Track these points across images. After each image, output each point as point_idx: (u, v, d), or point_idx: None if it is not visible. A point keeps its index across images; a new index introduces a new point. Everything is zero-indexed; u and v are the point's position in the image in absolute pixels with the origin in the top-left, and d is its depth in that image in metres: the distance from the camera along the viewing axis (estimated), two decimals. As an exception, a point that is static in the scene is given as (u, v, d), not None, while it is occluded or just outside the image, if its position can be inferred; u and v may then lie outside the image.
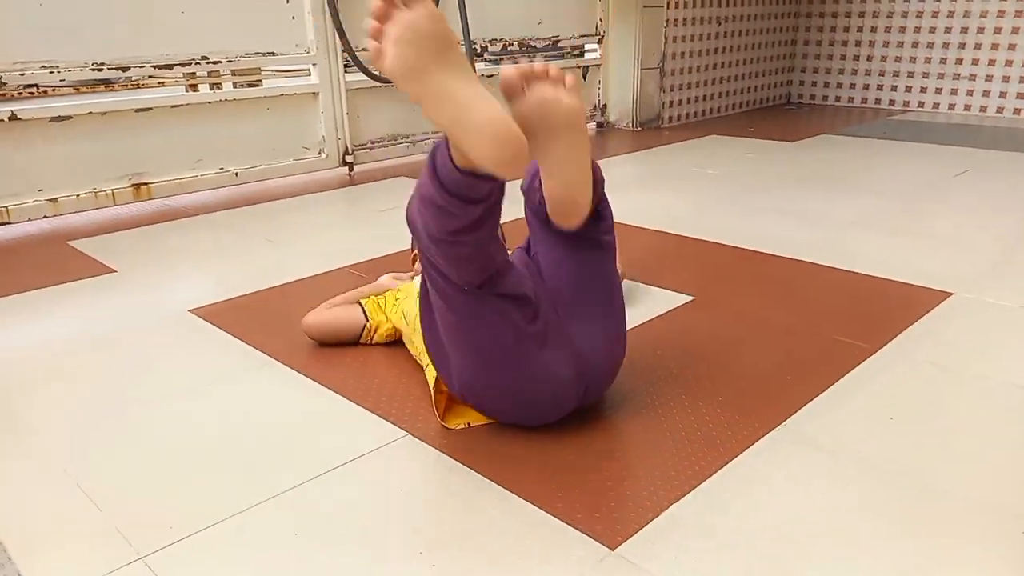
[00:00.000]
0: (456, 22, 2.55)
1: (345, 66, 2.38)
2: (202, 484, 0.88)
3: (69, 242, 1.81)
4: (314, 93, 2.35)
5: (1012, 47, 3.30)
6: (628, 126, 3.26)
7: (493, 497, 0.84)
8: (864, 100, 3.79)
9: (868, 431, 0.95)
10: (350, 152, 2.45)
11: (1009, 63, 3.32)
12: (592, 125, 3.31)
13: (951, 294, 1.37)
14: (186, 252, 1.74)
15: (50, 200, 1.94)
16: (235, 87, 2.27)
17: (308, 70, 2.35)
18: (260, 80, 2.36)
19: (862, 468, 0.88)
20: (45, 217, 1.95)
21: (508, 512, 0.81)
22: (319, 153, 2.42)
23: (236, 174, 2.24)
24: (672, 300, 1.38)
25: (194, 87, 2.17)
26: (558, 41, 3.03)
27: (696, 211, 1.96)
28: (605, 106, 3.30)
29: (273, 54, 2.24)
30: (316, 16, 2.28)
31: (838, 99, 3.88)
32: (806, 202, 2.03)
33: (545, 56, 3.07)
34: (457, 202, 0.77)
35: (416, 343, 1.07)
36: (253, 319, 1.35)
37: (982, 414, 0.99)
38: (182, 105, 2.10)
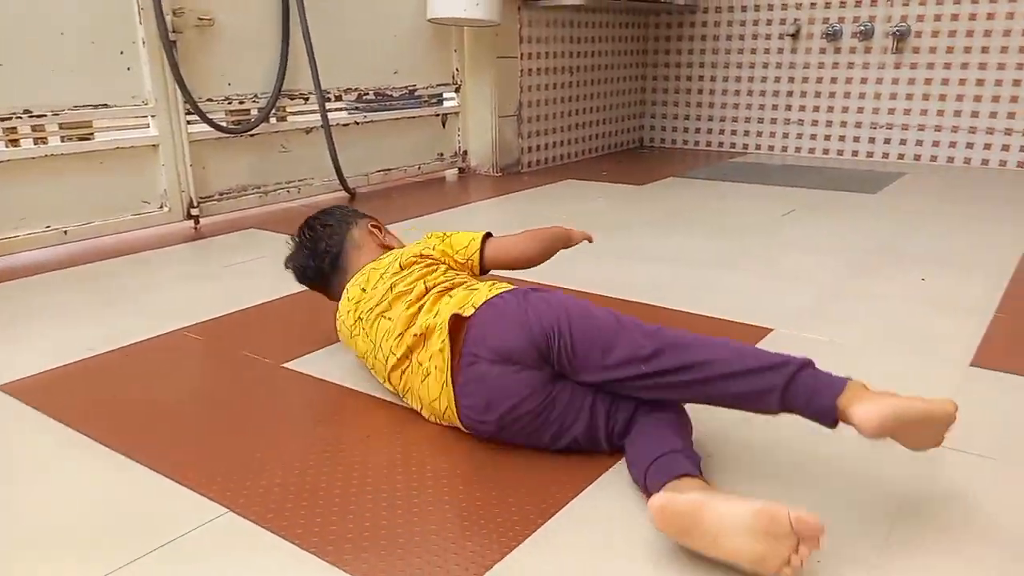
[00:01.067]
0: (305, 70, 2.53)
1: (187, 115, 2.30)
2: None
3: None
4: (154, 145, 2.25)
5: (832, 95, 3.64)
6: (489, 171, 3.32)
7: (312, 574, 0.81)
8: (709, 144, 4.05)
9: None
10: (195, 205, 2.35)
11: (831, 109, 3.65)
12: (454, 171, 3.35)
13: (771, 330, 1.47)
14: (6, 320, 1.60)
15: None
16: (63, 141, 2.13)
17: (147, 122, 2.25)
18: (92, 133, 2.23)
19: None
20: None
21: (326, 588, 0.79)
22: (161, 207, 2.31)
23: (65, 232, 2.10)
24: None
25: (15, 142, 2.03)
26: (415, 90, 3.06)
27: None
28: (465, 152, 3.35)
29: (107, 106, 2.13)
30: (154, 67, 2.19)
31: (686, 143, 4.13)
32: (647, 244, 2.13)
33: (403, 104, 3.10)
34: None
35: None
36: (73, 393, 1.25)
37: (788, 441, 1.05)
38: (1, 161, 1.96)
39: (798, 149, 3.79)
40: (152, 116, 2.23)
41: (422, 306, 1.11)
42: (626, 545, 0.85)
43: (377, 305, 1.16)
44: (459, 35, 3.18)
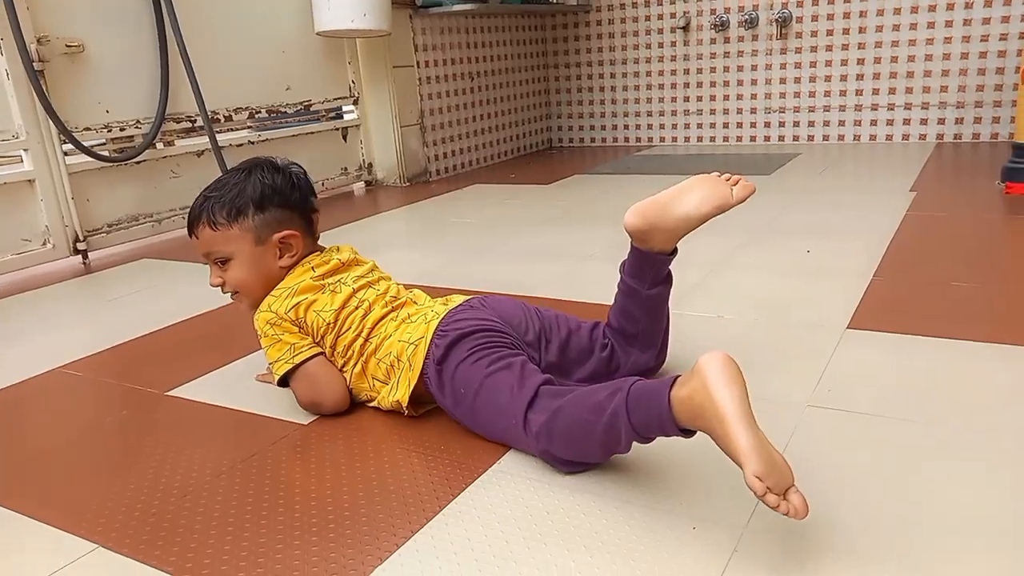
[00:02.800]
0: (189, 92, 2.46)
1: (64, 145, 2.20)
2: None
3: None
4: (30, 180, 2.15)
5: (726, 83, 3.75)
6: (396, 183, 3.30)
7: (180, 601, 0.78)
8: (616, 140, 4.12)
9: (573, 456, 0.99)
10: (81, 239, 2.25)
11: (726, 97, 3.77)
12: (361, 185, 3.31)
13: (665, 311, 1.49)
14: None
15: None
16: (-74, 181, 2.02)
17: (20, 156, 2.15)
18: (-42, 172, 2.12)
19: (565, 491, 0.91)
20: None
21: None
22: (44, 244, 2.20)
23: (-62, 278, 1.99)
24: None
25: None
26: (310, 105, 3.02)
27: (447, 262, 2.00)
28: (371, 165, 3.31)
29: (-27, 142, 2.02)
30: (21, 98, 2.09)
31: (593, 140, 4.19)
32: (552, 240, 2.15)
33: (300, 120, 3.05)
34: (641, 440, 0.87)
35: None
36: (-70, 444, 1.17)
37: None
38: None
39: (699, 139, 3.89)
40: (24, 150, 2.13)
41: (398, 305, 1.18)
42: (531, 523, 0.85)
43: (361, 277, 1.19)
44: (352, 47, 3.14)
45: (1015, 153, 2.33)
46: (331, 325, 1.14)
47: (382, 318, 1.15)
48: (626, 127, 4.07)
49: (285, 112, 2.91)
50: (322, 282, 1.17)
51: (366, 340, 1.13)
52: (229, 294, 1.22)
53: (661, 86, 3.92)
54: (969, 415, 1.02)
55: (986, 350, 1.22)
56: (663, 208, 1.07)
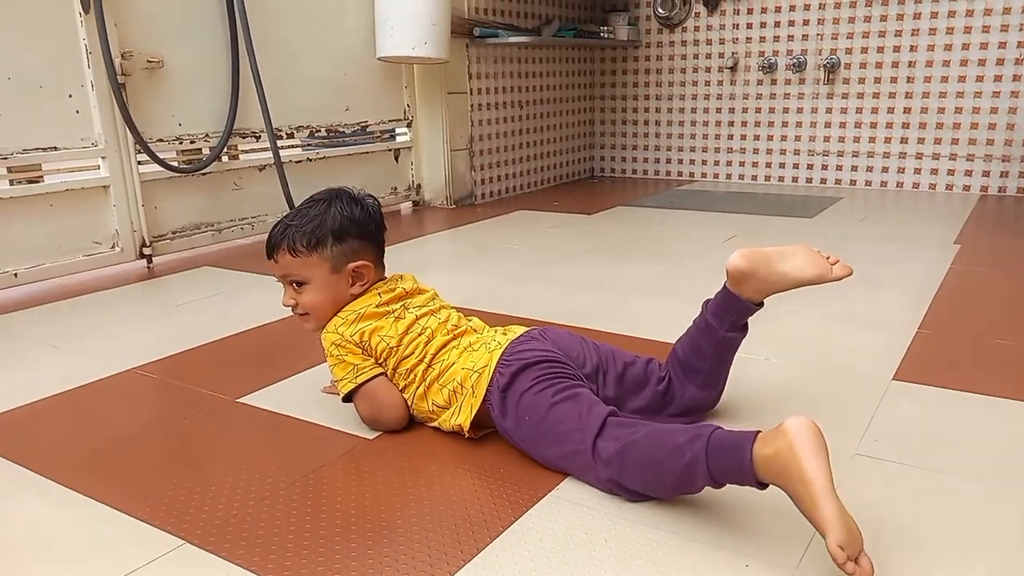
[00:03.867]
0: (256, 108, 2.56)
1: (138, 155, 2.32)
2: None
3: None
4: (104, 186, 2.26)
5: (770, 124, 3.80)
6: (443, 204, 3.38)
7: (267, 599, 0.84)
8: (657, 172, 4.18)
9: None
10: (148, 244, 2.36)
11: (770, 138, 3.81)
12: (409, 205, 3.40)
13: (712, 351, 1.54)
14: (-51, 365, 1.59)
15: None
16: (12, 184, 2.13)
17: (97, 164, 2.26)
18: (41, 176, 2.24)
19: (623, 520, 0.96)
20: None
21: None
22: (113, 247, 2.31)
23: (16, 275, 2.09)
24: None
25: (-38, 186, 2.02)
26: (367, 126, 3.12)
27: (494, 287, 2.07)
28: (419, 186, 3.41)
29: (56, 149, 2.14)
30: (103, 108, 2.21)
31: (635, 172, 4.26)
32: (595, 271, 2.21)
33: (356, 140, 3.15)
34: (714, 487, 0.93)
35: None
36: (28, 434, 1.26)
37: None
38: (-52, 204, 1.95)
39: (741, 176, 3.94)
40: (102, 158, 2.24)
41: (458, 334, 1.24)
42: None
43: (423, 306, 1.27)
44: (409, 72, 3.25)
45: (1062, 212, 2.35)
46: (394, 349, 1.21)
47: (444, 345, 1.21)
48: (668, 161, 4.13)
49: (343, 132, 3.02)
50: (387, 308, 1.24)
51: (428, 366, 1.20)
52: (297, 314, 1.28)
53: (706, 123, 3.98)
54: (1008, 471, 1.06)
55: (1030, 410, 1.25)
56: (768, 260, 1.13)
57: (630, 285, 2.05)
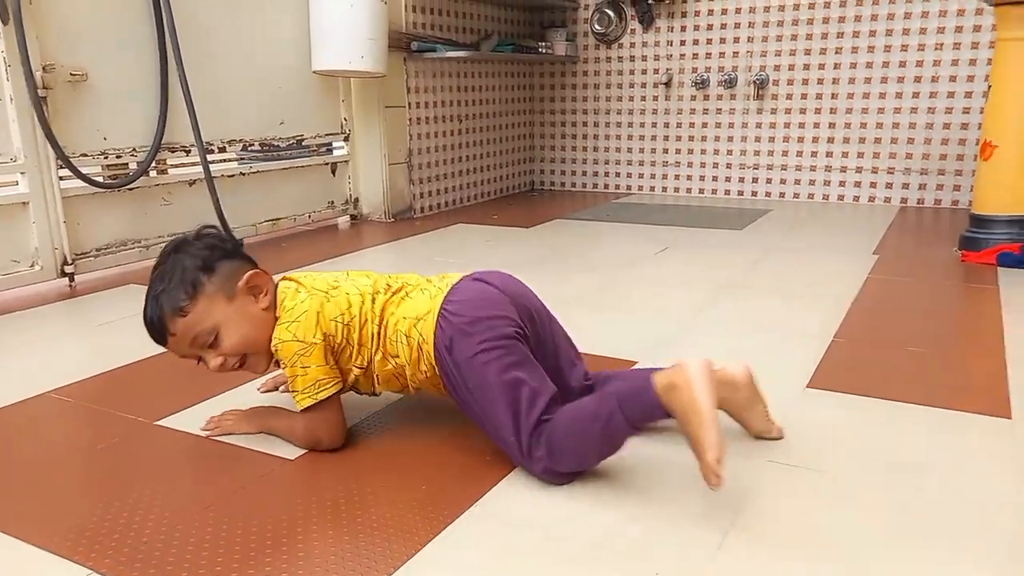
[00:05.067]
0: (186, 122, 2.52)
1: (61, 170, 2.25)
2: None
3: None
4: (24, 203, 2.19)
5: (704, 139, 3.90)
6: (381, 218, 3.37)
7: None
8: (595, 186, 4.24)
9: (552, 500, 1.06)
10: (70, 262, 2.29)
11: (703, 152, 3.91)
12: (346, 219, 3.38)
13: (635, 362, 1.57)
14: None
15: None
16: (-77, 199, 2.05)
17: (16, 179, 2.19)
18: (-45, 191, 2.16)
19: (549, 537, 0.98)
20: None
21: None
22: (32, 265, 2.23)
23: (-74, 295, 2.01)
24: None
25: None
26: (303, 140, 3.09)
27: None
28: (357, 199, 3.39)
29: (-30, 163, 2.07)
30: (23, 123, 2.14)
31: (575, 185, 4.31)
32: (532, 284, 2.22)
33: (291, 154, 3.12)
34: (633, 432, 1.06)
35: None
36: (-77, 464, 1.21)
37: (648, 465, 1.14)
38: None
39: (676, 189, 4.03)
40: (21, 173, 2.17)
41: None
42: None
43: (345, 279, 1.26)
44: (346, 86, 3.24)
45: (972, 223, 2.48)
46: (349, 325, 1.19)
47: (386, 303, 1.22)
48: (606, 174, 4.20)
49: (278, 146, 2.98)
50: (319, 292, 1.20)
51: (381, 324, 1.20)
52: (239, 367, 1.20)
53: (642, 137, 4.06)
54: (908, 475, 1.11)
55: (933, 415, 1.31)
56: (743, 400, 1.20)
57: (564, 297, 2.07)
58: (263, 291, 1.20)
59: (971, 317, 1.91)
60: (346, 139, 3.29)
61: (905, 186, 3.51)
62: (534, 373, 1.12)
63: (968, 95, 3.31)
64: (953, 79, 3.33)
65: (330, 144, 3.27)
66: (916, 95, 3.41)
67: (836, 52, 3.53)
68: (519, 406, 1.08)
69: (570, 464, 1.08)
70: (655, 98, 3.98)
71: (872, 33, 3.45)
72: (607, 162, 4.19)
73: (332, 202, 3.29)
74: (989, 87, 2.44)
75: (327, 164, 3.25)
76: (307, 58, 2.98)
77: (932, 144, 3.42)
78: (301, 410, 1.19)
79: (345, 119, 3.26)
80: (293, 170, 3.08)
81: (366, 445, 1.24)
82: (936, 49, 3.35)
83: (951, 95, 3.35)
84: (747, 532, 0.98)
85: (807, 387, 1.44)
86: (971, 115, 3.32)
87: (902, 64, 3.42)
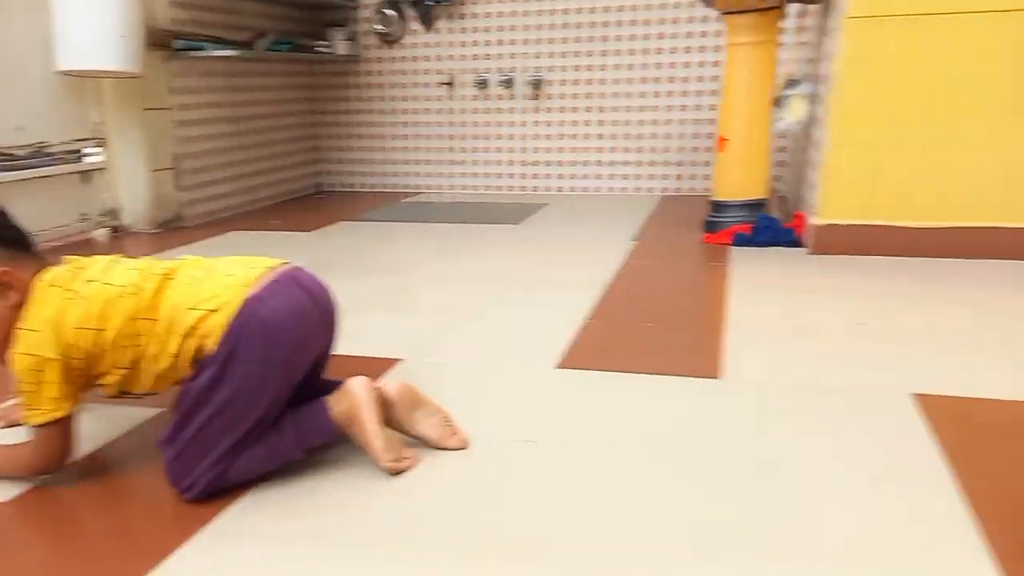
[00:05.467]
0: None
1: None
2: None
3: None
4: None
5: (486, 137, 4.02)
6: (145, 228, 3.13)
7: None
8: (384, 186, 4.23)
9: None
10: None
11: (486, 150, 4.04)
12: (104, 232, 3.11)
13: (401, 360, 1.59)
14: None
15: None
16: None
17: None
18: None
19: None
20: None
21: None
22: None
23: None
24: (136, 414, 1.35)
25: None
26: (46, 147, 2.80)
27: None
28: (116, 210, 3.12)
29: None
30: None
31: (362, 186, 4.27)
32: (305, 290, 2.17)
33: (32, 163, 2.81)
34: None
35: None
36: None
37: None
38: None
39: (463, 187, 4.12)
40: None
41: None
42: None
43: (106, 269, 1.13)
44: (99, 87, 2.97)
45: (712, 209, 2.76)
46: (101, 330, 1.05)
47: (158, 291, 1.09)
48: (394, 174, 4.21)
49: (16, 155, 2.68)
50: (69, 292, 1.07)
51: (154, 322, 1.07)
52: None
53: (428, 136, 4.11)
54: (635, 438, 1.22)
55: (663, 382, 1.45)
56: (414, 404, 1.21)
57: (343, 301, 2.04)
58: (14, 289, 1.07)
59: (703, 292, 2.14)
60: (100, 145, 3.02)
61: (665, 177, 3.84)
62: (260, 425, 1.09)
63: (713, 93, 3.68)
64: (700, 79, 3.70)
65: (80, 151, 2.98)
66: (670, 94, 3.75)
67: (602, 55, 3.79)
68: (216, 450, 1.05)
69: (239, 480, 1.09)
70: (439, 98, 4.04)
71: (632, 37, 3.73)
72: (395, 162, 4.19)
73: (85, 214, 3.01)
74: (722, 87, 2.74)
75: (77, 173, 2.96)
76: (49, 57, 2.70)
77: (685, 138, 3.78)
78: (33, 425, 1.07)
79: (98, 123, 3.00)
80: (35, 180, 2.77)
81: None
82: (686, 52, 3.69)
83: (699, 94, 3.72)
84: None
85: (557, 368, 1.54)
86: (715, 112, 3.70)
87: (658, 66, 3.73)
